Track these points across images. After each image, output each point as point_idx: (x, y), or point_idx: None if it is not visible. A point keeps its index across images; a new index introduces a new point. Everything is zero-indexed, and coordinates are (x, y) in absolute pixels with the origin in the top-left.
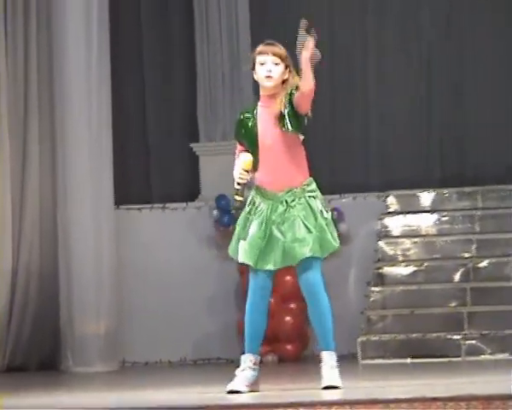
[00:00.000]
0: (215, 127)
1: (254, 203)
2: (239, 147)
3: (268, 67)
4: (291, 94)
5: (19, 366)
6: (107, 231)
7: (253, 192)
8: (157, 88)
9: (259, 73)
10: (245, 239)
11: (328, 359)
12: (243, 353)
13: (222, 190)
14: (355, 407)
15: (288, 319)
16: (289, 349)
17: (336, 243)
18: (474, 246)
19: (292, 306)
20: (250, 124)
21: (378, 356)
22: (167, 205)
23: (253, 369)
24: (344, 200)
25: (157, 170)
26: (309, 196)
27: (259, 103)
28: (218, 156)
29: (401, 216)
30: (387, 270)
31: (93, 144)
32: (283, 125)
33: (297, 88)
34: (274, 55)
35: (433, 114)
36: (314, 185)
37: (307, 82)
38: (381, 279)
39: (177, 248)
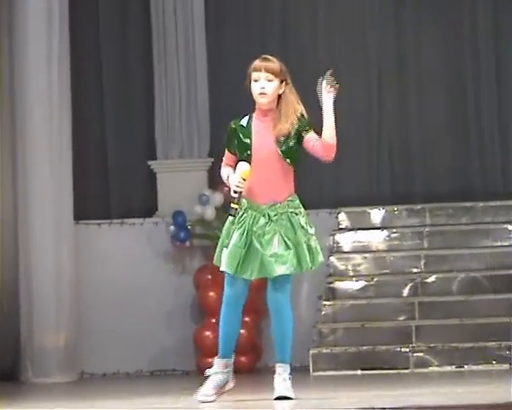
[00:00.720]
0: (172, 145)
1: (239, 214)
2: (228, 155)
3: (261, 83)
4: (300, 126)
5: None
6: (67, 245)
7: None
8: (116, 107)
9: (253, 90)
10: (227, 247)
11: (282, 371)
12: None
13: (178, 206)
14: None
15: (242, 331)
16: (243, 361)
17: (313, 264)
18: (422, 262)
19: (246, 319)
20: (244, 134)
21: (329, 368)
22: (125, 220)
23: (224, 373)
24: None
25: (116, 186)
26: (291, 212)
27: (254, 115)
28: (174, 173)
29: (352, 232)
30: (338, 284)
31: (54, 161)
32: (284, 156)
33: (307, 124)
34: (267, 71)
35: (382, 134)
36: (297, 202)
37: (332, 135)
38: (332, 293)
39: (135, 263)
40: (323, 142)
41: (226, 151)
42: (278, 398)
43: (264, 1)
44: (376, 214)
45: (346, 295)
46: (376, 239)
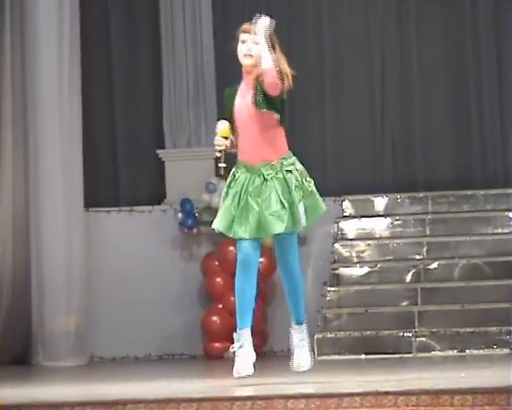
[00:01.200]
0: (180, 135)
1: (234, 176)
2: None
3: (248, 45)
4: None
5: None
6: (77, 232)
7: (234, 167)
8: (126, 98)
9: (239, 51)
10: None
11: (300, 332)
12: (235, 330)
13: (186, 194)
14: (310, 401)
15: None
16: None
17: (308, 221)
18: (424, 248)
19: None
20: (231, 99)
21: (334, 352)
22: (134, 208)
23: (250, 342)
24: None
25: (125, 175)
26: (286, 171)
27: (243, 80)
28: (182, 162)
29: (356, 220)
30: (343, 271)
31: (64, 151)
32: (255, 104)
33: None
34: (254, 33)
35: (385, 125)
36: (292, 159)
37: (265, 61)
38: (336, 280)
39: (144, 249)
40: (263, 71)
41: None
42: (297, 365)
43: None
44: (380, 202)
45: (350, 282)
46: (380, 226)
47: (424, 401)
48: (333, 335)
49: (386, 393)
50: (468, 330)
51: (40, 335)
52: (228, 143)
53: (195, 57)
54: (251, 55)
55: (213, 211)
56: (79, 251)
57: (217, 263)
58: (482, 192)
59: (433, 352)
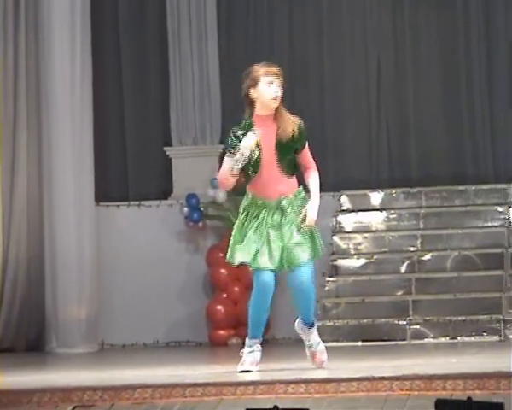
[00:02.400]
0: (186, 133)
1: (248, 213)
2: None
3: (275, 88)
4: (299, 138)
5: (8, 348)
6: (89, 225)
7: (245, 202)
8: (135, 99)
9: (267, 93)
10: (241, 243)
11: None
12: (246, 336)
13: (192, 189)
14: (310, 386)
15: None
16: None
17: (322, 251)
18: (418, 241)
19: None
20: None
21: (332, 340)
22: (143, 202)
23: (259, 350)
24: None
25: (134, 171)
26: (299, 205)
27: (257, 121)
28: (188, 159)
29: (353, 214)
30: (341, 262)
31: (76, 149)
32: (283, 167)
33: (304, 138)
34: (278, 76)
35: (381, 123)
36: (304, 194)
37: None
38: (335, 270)
39: (151, 242)
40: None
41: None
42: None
43: None
44: (376, 197)
45: (347, 272)
46: (376, 220)
47: (418, 385)
48: (331, 323)
49: (382, 378)
50: (459, 318)
51: (53, 323)
52: (252, 150)
53: (201, 61)
54: (277, 98)
55: (218, 205)
56: (90, 243)
57: (221, 255)
58: (473, 187)
59: (426, 339)
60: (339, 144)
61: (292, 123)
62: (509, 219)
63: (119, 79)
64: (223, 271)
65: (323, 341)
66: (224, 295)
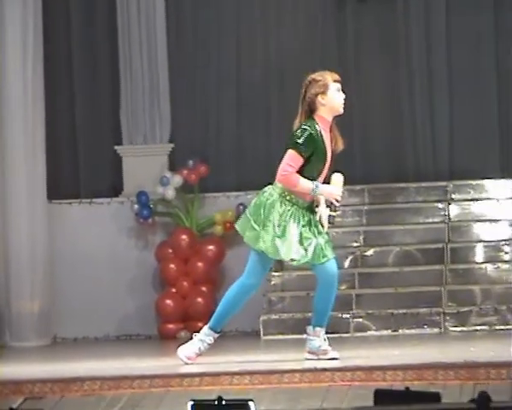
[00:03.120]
0: (136, 132)
1: (285, 210)
2: (299, 160)
3: (342, 95)
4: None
5: None
6: (41, 222)
7: (280, 199)
8: (86, 99)
9: (338, 100)
10: (280, 237)
11: (322, 333)
12: (206, 324)
13: (142, 187)
14: (254, 377)
15: (199, 300)
16: (200, 327)
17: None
18: (361, 237)
19: (203, 289)
20: (323, 143)
21: (278, 332)
22: (94, 200)
23: (208, 343)
24: (249, 196)
25: (85, 169)
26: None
27: (321, 125)
28: (138, 158)
29: None
30: None
31: (28, 148)
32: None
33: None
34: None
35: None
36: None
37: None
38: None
39: (103, 238)
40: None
41: (297, 155)
42: (331, 358)
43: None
44: None
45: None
46: None
47: (359, 376)
48: (277, 316)
49: (324, 369)
50: (400, 311)
51: (7, 317)
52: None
53: (150, 62)
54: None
55: (167, 202)
56: (43, 239)
57: (170, 250)
58: (414, 185)
59: (368, 331)
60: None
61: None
62: (448, 215)
63: (71, 79)
64: (172, 266)
65: (269, 333)
66: (173, 290)
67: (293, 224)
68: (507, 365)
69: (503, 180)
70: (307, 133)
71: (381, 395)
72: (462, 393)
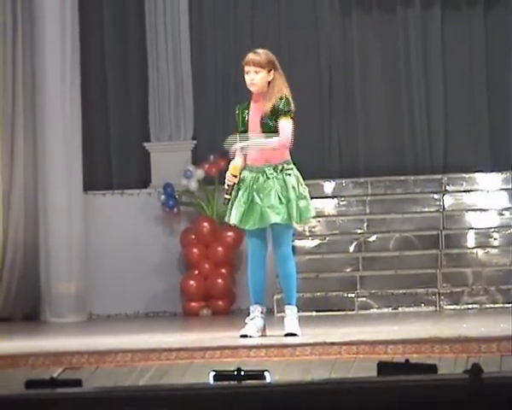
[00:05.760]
0: (163, 130)
1: (242, 176)
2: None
3: (251, 76)
4: (279, 107)
5: (7, 318)
6: (78, 211)
7: (242, 170)
8: (118, 101)
9: (246, 81)
10: (232, 207)
11: (290, 312)
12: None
13: (168, 179)
14: (269, 351)
15: (219, 280)
16: (220, 305)
17: (300, 220)
18: (365, 224)
19: (223, 271)
20: (242, 115)
21: None
22: (125, 191)
23: (261, 317)
24: None
25: (117, 164)
26: (286, 174)
27: (252, 99)
28: (164, 153)
29: None
30: (297, 243)
31: (66, 144)
32: (267, 135)
33: (284, 107)
34: (254, 65)
35: (332, 122)
36: (292, 166)
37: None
38: (293, 250)
39: (132, 225)
40: (279, 140)
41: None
42: (287, 334)
43: (237, 3)
44: (328, 186)
45: (303, 252)
46: (328, 206)
47: (363, 349)
48: None
49: (332, 343)
50: (400, 291)
51: (47, 295)
52: (236, 180)
53: (175, 69)
54: (254, 84)
55: (190, 193)
56: (79, 227)
57: (193, 236)
58: (412, 178)
59: (371, 310)
60: (296, 141)
61: (272, 100)
62: (443, 205)
63: (104, 82)
64: (195, 250)
65: (282, 311)
66: (196, 272)
67: (242, 191)
68: (496, 339)
69: (492, 173)
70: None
71: (384, 367)
72: (456, 365)
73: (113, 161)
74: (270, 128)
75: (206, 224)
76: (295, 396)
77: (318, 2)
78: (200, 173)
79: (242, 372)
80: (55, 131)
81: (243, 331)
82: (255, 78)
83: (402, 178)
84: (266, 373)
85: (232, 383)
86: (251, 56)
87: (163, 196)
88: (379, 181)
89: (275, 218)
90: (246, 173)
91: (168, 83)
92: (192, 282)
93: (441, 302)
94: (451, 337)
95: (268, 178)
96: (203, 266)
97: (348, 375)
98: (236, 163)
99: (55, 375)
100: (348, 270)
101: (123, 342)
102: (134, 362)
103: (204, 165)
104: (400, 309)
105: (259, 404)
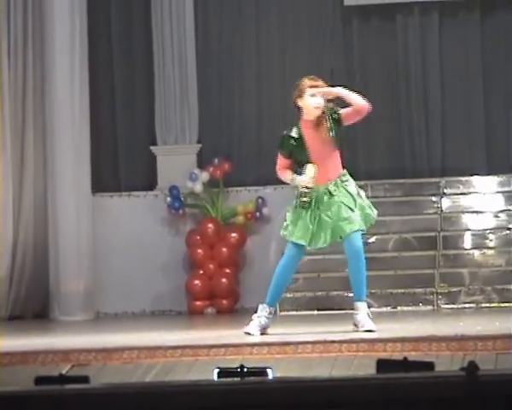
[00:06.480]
0: (169, 134)
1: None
2: (282, 160)
3: (318, 99)
4: (334, 114)
5: (18, 316)
6: (86, 212)
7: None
8: (125, 105)
9: (310, 102)
10: (296, 225)
11: (362, 307)
12: (262, 302)
13: (174, 182)
14: (272, 348)
15: (223, 280)
16: (224, 304)
17: (374, 215)
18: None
19: (227, 270)
20: (300, 144)
21: (292, 309)
22: (132, 193)
23: (267, 318)
24: (267, 190)
25: (125, 166)
26: (345, 185)
27: (303, 126)
28: (170, 156)
29: None
30: None
31: (75, 147)
32: (334, 141)
33: (335, 111)
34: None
35: None
36: (348, 175)
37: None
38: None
39: (139, 226)
40: (354, 107)
41: (280, 155)
42: (366, 331)
43: (241, 9)
44: None
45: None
46: None
47: (362, 347)
48: (291, 295)
49: (333, 341)
50: (399, 291)
51: (56, 294)
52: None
53: (181, 75)
54: (319, 108)
55: (195, 196)
56: (88, 228)
57: (198, 237)
58: (411, 181)
59: (371, 308)
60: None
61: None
62: (440, 207)
63: (112, 87)
64: (199, 251)
65: (285, 310)
66: (201, 272)
67: (307, 213)
68: (492, 338)
69: (488, 177)
70: (281, 138)
71: (383, 365)
72: (453, 362)
73: (120, 164)
74: (336, 136)
75: (210, 225)
76: (297, 393)
77: (323, 8)
78: (205, 176)
79: (245, 369)
80: (63, 134)
81: (247, 329)
82: (321, 102)
83: (401, 181)
84: (269, 370)
85: (236, 379)
86: (316, 81)
87: (169, 198)
88: (378, 184)
89: (351, 227)
90: (305, 195)
91: (174, 87)
92: (197, 281)
93: (439, 302)
94: (448, 336)
95: (332, 195)
96: (208, 266)
97: (348, 372)
98: (315, 167)
99: (63, 372)
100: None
101: (129, 340)
102: (140, 359)
103: (209, 168)
104: (399, 308)
105: (262, 400)
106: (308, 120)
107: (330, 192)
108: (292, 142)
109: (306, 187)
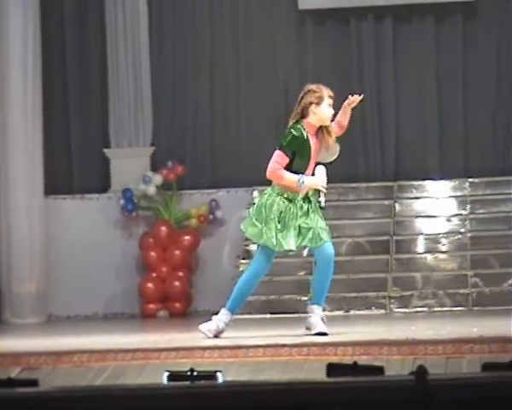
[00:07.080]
0: (122, 137)
1: (285, 207)
2: (285, 158)
3: (332, 111)
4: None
5: None
6: (39, 214)
7: (279, 198)
8: (79, 107)
9: (327, 113)
10: (282, 232)
11: (317, 311)
12: (224, 307)
13: (127, 184)
14: (223, 352)
15: (176, 283)
16: (177, 307)
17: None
18: None
19: (180, 273)
20: (307, 145)
21: (245, 312)
22: (85, 195)
23: (226, 324)
24: (220, 193)
25: (78, 169)
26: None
27: (307, 130)
28: (124, 159)
29: None
30: (253, 247)
31: (28, 150)
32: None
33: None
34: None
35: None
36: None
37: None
38: (247, 254)
39: (92, 229)
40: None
41: (283, 154)
42: (317, 334)
43: (195, 13)
44: None
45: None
46: None
47: (313, 351)
48: None
49: (284, 345)
50: (352, 294)
51: (8, 296)
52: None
53: (135, 80)
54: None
55: (148, 198)
56: (40, 230)
57: (151, 240)
58: (364, 185)
59: (324, 312)
60: (252, 149)
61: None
62: (393, 211)
63: (66, 90)
64: (152, 254)
65: (237, 313)
66: (154, 275)
67: (292, 219)
68: (442, 342)
69: (441, 181)
70: (291, 136)
71: (333, 369)
72: (403, 367)
73: (73, 166)
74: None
75: (163, 228)
76: (246, 397)
77: (275, 14)
78: (158, 179)
79: (195, 373)
80: (16, 136)
81: (203, 327)
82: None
83: (354, 185)
84: (218, 374)
85: (185, 383)
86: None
87: (122, 201)
88: (332, 188)
89: (325, 236)
90: (286, 203)
91: (128, 90)
92: (150, 284)
93: (391, 305)
94: (399, 340)
95: (311, 202)
96: (161, 269)
97: (299, 376)
98: (325, 169)
99: (12, 375)
100: (301, 273)
101: (80, 343)
102: (91, 363)
103: (162, 170)
104: (352, 312)
105: (211, 404)
106: (314, 126)
107: (309, 200)
108: (301, 143)
109: (323, 187)
